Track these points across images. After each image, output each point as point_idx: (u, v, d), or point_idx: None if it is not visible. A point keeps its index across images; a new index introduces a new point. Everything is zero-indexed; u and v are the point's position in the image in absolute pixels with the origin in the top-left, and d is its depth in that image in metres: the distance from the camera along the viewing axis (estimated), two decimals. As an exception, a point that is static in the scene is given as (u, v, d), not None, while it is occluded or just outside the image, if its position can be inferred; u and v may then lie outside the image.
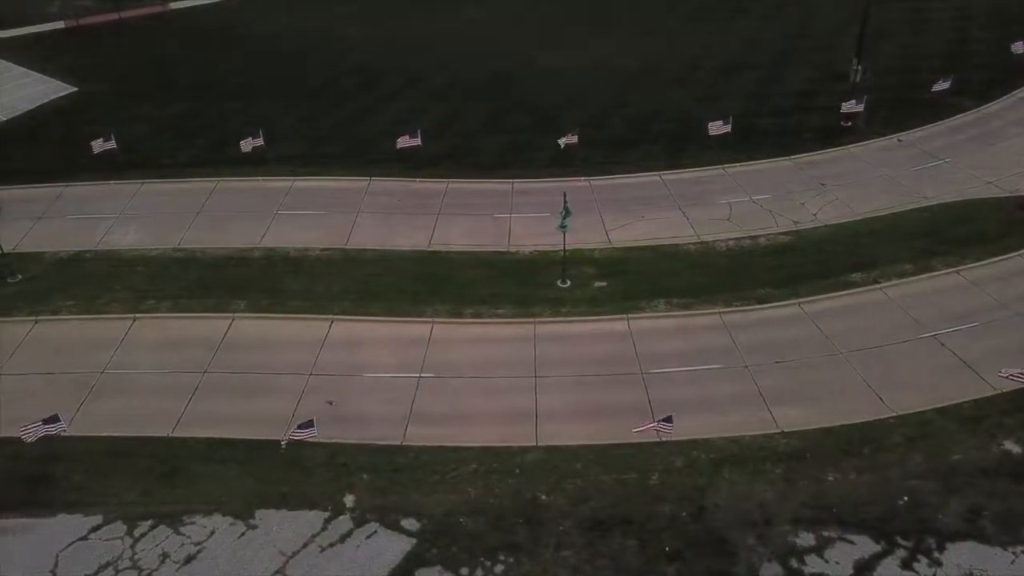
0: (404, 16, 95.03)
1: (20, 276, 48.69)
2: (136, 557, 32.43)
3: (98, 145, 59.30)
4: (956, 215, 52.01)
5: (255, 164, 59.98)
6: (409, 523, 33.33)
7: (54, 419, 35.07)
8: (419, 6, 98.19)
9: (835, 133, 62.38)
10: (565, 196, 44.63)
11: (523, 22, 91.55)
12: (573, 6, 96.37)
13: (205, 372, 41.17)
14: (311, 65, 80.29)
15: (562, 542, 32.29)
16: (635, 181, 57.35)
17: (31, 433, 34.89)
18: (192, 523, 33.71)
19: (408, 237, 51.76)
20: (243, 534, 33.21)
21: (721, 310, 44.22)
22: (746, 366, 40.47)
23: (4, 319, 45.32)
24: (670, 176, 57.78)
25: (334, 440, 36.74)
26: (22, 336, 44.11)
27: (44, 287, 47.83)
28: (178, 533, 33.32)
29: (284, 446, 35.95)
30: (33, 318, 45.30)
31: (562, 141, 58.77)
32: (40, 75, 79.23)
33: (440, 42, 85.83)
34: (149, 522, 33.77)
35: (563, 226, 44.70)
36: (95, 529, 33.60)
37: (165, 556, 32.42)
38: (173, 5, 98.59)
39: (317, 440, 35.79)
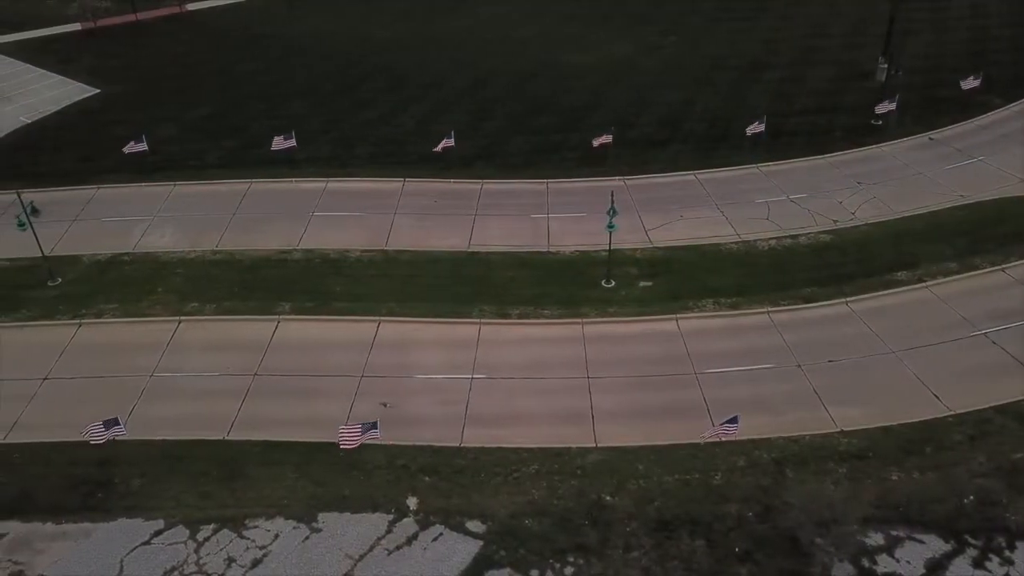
0: (421, 16, 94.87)
1: (60, 279, 48.41)
2: (202, 561, 32.23)
3: (129, 147, 59.04)
4: (994, 213, 52.02)
5: (285, 165, 59.78)
6: (474, 525, 33.19)
7: (114, 422, 34.83)
8: (435, 6, 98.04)
9: (866, 132, 62.39)
10: (612, 196, 44.51)
11: (540, 21, 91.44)
12: (590, 5, 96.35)
13: (255, 375, 40.97)
14: (333, 66, 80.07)
15: (630, 543, 32.19)
16: (670, 180, 57.28)
17: (95, 436, 34.63)
18: (255, 527, 33.53)
19: (446, 238, 51.61)
20: (307, 537, 33.04)
21: (769, 309, 44.14)
22: (799, 365, 40.40)
23: (48, 323, 45.06)
24: (704, 175, 57.71)
25: (391, 442, 36.57)
26: (67, 340, 43.85)
27: (85, 290, 47.56)
28: (242, 537, 33.13)
29: (341, 446, 35.62)
30: (77, 321, 45.04)
31: (595, 141, 58.71)
32: (61, 77, 78.86)
33: (460, 42, 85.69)
34: (211, 526, 33.59)
35: (611, 226, 44.58)
36: (157, 533, 33.40)
37: (231, 560, 32.23)
38: (190, 6, 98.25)
39: (375, 442, 35.59)
